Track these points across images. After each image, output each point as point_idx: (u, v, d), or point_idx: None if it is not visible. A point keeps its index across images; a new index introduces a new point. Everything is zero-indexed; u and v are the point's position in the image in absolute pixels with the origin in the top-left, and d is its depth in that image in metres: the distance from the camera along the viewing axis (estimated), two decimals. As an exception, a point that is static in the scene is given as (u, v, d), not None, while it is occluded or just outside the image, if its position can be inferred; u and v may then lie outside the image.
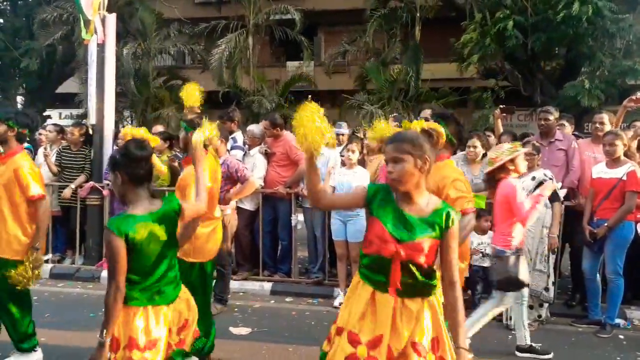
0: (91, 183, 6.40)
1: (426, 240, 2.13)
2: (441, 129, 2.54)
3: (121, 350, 2.30)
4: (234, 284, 5.56)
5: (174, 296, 2.47)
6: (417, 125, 3.01)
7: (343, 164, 5.54)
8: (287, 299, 5.60)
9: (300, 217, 6.11)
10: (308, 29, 15.45)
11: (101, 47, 6.69)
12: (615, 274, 4.60)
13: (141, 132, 2.49)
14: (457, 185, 3.04)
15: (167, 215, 2.43)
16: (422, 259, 2.13)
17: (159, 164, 2.42)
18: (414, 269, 2.14)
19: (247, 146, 6.27)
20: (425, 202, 2.19)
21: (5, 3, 15.69)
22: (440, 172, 3.01)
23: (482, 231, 5.02)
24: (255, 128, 6.26)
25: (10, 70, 14.88)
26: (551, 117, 5.36)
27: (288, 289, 5.78)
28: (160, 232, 2.38)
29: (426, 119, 4.82)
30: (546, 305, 4.82)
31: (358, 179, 5.23)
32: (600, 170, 4.83)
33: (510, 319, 4.72)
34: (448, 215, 2.15)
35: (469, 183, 3.24)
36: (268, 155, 6.13)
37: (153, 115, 13.26)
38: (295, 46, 15.81)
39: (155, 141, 2.46)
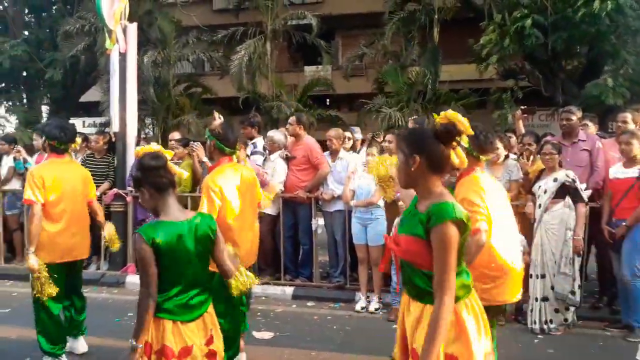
0: (115, 190, 6.52)
1: (405, 237, 2.05)
2: (460, 119, 2.29)
3: (153, 355, 2.31)
4: (256, 289, 5.59)
5: (203, 311, 2.44)
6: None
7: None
8: (309, 304, 5.61)
9: (321, 221, 6.12)
10: (325, 33, 15.48)
11: (123, 56, 6.81)
12: (633, 276, 4.49)
13: (153, 147, 2.54)
14: (462, 205, 2.79)
15: (200, 227, 2.41)
16: (410, 258, 2.05)
17: (179, 170, 2.46)
18: (408, 268, 2.09)
19: (267, 151, 6.31)
20: (429, 202, 2.04)
21: (30, 16, 16.08)
22: (458, 190, 2.89)
23: None
24: (275, 133, 6.30)
25: (35, 81, 15.23)
26: (574, 117, 5.28)
27: (310, 294, 5.79)
28: (190, 241, 2.36)
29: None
30: (573, 308, 4.73)
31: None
32: (617, 171, 4.77)
33: (535, 322, 4.65)
34: (429, 213, 1.97)
35: (482, 197, 2.86)
36: (288, 160, 6.15)
37: (174, 122, 13.43)
38: (313, 51, 15.87)
39: (168, 153, 2.53)
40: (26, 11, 15.79)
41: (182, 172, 2.69)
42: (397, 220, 4.93)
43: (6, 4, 14.91)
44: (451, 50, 14.02)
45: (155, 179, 2.40)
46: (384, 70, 14.20)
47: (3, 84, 15.81)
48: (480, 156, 3.05)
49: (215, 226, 2.50)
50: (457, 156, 2.06)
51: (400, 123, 11.42)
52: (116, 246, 4.29)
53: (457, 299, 2.00)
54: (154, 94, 13.17)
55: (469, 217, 2.03)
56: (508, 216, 3.12)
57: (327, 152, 6.13)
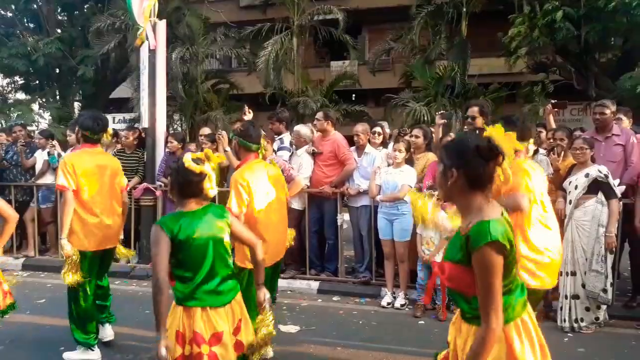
0: (145, 184, 6.64)
1: (449, 264, 1.95)
2: (503, 139, 2.19)
3: (187, 345, 2.38)
4: (282, 283, 5.61)
5: (231, 298, 2.55)
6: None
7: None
8: (334, 298, 5.62)
9: (346, 216, 6.12)
10: (352, 28, 15.42)
11: (152, 52, 6.92)
12: None
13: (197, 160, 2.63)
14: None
15: (214, 212, 2.58)
16: (454, 285, 1.97)
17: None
18: (454, 294, 2.01)
19: (293, 146, 6.34)
20: (467, 221, 1.92)
21: (62, 14, 16.48)
22: None
23: None
24: (302, 128, 6.31)
25: (68, 78, 15.61)
26: (607, 111, 5.14)
27: (335, 288, 5.80)
28: (207, 227, 2.52)
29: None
30: (604, 307, 4.62)
31: (405, 178, 5.19)
32: None
33: (565, 320, 4.56)
34: (467, 237, 1.85)
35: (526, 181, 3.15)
36: (314, 155, 6.17)
37: (202, 117, 13.60)
38: (340, 46, 15.82)
39: (220, 158, 2.71)
40: (59, 9, 16.17)
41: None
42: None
43: (40, 3, 15.29)
44: (480, 44, 13.80)
45: (188, 189, 2.55)
46: (411, 64, 14.07)
47: (37, 81, 16.26)
48: (522, 143, 3.11)
49: (225, 210, 2.68)
50: (503, 173, 1.91)
51: (426, 118, 11.31)
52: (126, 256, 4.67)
53: (508, 320, 1.88)
54: (182, 90, 13.36)
55: (507, 234, 1.86)
56: (548, 204, 3.25)
57: (354, 147, 6.12)
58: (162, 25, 7.05)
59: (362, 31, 19.01)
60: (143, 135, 7.07)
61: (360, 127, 6.04)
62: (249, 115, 6.65)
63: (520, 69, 11.74)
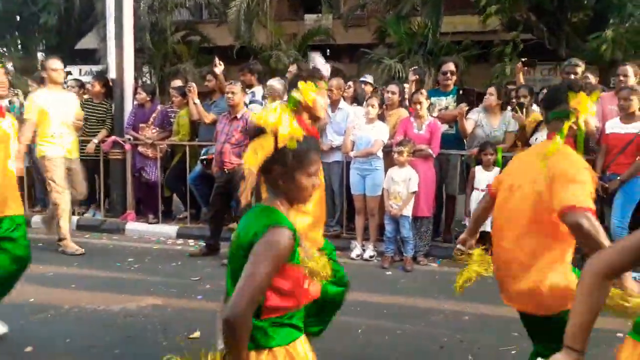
0: (113, 137, 6.52)
1: None
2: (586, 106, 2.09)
3: None
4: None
5: None
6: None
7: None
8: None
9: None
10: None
11: (119, 1, 6.66)
12: (621, 228, 4.57)
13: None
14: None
15: None
16: None
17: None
18: None
19: (265, 100, 6.28)
20: None
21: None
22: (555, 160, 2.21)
23: None
24: (276, 82, 6.24)
25: (30, 26, 14.90)
26: (578, 70, 5.24)
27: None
28: None
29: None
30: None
31: (377, 133, 5.24)
32: (614, 125, 4.78)
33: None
34: None
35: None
36: (286, 110, 6.14)
37: (171, 70, 13.25)
38: (313, -1, 15.47)
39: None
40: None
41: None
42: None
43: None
44: (455, 0, 13.66)
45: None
46: (385, 20, 13.89)
47: (-3, 30, 15.50)
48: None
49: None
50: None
51: (401, 74, 11.28)
52: None
53: None
54: (149, 41, 12.93)
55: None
56: None
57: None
58: (128, -29, 6.77)
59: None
60: (111, 84, 6.87)
61: (335, 82, 6.01)
62: (219, 67, 6.54)
63: (493, 27, 11.73)
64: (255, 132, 1.67)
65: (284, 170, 1.64)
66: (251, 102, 6.15)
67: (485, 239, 2.82)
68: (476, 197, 5.19)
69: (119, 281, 4.61)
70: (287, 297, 1.58)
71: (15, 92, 6.78)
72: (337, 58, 16.10)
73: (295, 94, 2.66)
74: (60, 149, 5.40)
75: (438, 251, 5.52)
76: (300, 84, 2.67)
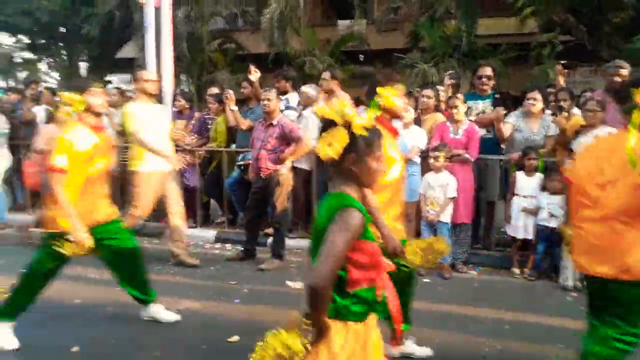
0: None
1: None
2: None
3: None
4: (290, 242, 5.74)
5: None
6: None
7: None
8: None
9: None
10: (360, -15, 15.06)
11: (157, 11, 6.84)
12: None
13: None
14: None
15: None
16: None
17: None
18: None
19: (300, 107, 6.33)
20: None
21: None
22: None
23: (552, 191, 4.90)
24: (310, 89, 6.29)
25: (74, 37, 15.49)
26: (625, 72, 5.06)
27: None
28: None
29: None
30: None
31: (413, 139, 5.21)
32: None
33: (568, 279, 4.65)
34: None
35: None
36: (321, 116, 6.16)
37: (207, 78, 13.49)
38: (347, 4, 15.50)
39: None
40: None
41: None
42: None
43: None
44: (489, 2, 13.45)
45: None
46: (418, 24, 13.79)
47: (43, 40, 16.14)
48: None
49: None
50: None
51: (435, 79, 11.17)
52: None
53: None
54: (187, 50, 13.22)
55: None
56: None
57: (362, 107, 6.11)
58: (167, -18, 6.94)
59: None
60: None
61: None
62: (255, 75, 6.63)
63: (531, 29, 11.49)
64: (325, 125, 1.83)
65: (356, 157, 1.80)
66: (286, 108, 6.22)
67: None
68: (518, 203, 5.08)
69: (159, 284, 4.69)
70: (366, 270, 1.80)
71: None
72: (370, 63, 16.08)
73: (377, 99, 2.87)
74: (154, 163, 5.09)
75: (477, 258, 5.44)
76: (379, 89, 2.90)
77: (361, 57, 16.08)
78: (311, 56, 13.64)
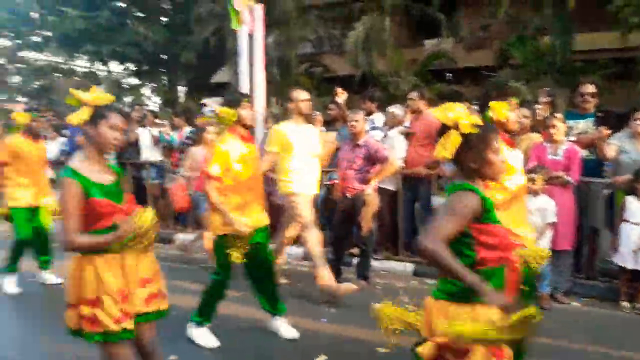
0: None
1: None
2: None
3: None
4: (375, 263, 5.68)
5: None
6: None
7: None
8: (430, 281, 5.57)
9: (442, 198, 6.00)
10: (446, 4, 14.87)
11: (250, 37, 7.16)
12: None
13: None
14: None
15: None
16: None
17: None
18: None
19: (386, 127, 6.31)
20: None
21: (167, 2, 17.53)
22: None
23: None
24: (396, 109, 6.27)
25: (173, 64, 16.67)
26: None
27: (432, 272, 5.74)
28: None
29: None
30: None
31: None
32: None
33: None
34: None
35: None
36: (408, 136, 6.10)
37: (295, 101, 13.87)
38: (433, 23, 15.36)
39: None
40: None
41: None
42: None
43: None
44: (587, 16, 12.71)
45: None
46: (508, 41, 13.33)
47: (147, 67, 17.54)
48: None
49: None
50: None
51: (527, 97, 10.69)
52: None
53: None
54: (277, 74, 13.70)
55: None
56: None
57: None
58: (259, 9, 7.26)
59: (457, 8, 18.24)
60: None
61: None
62: (341, 97, 6.72)
63: (636, 43, 10.70)
64: (440, 130, 2.03)
65: (474, 153, 1.98)
66: (372, 128, 6.22)
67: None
68: (628, 230, 4.68)
69: (246, 300, 4.81)
70: (494, 250, 1.96)
71: (163, 123, 7.55)
72: (458, 82, 15.76)
73: (489, 112, 2.96)
74: (305, 185, 4.96)
75: (580, 289, 5.07)
76: (491, 103, 3.00)
77: (449, 75, 15.82)
78: (396, 77, 13.61)
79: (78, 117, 2.48)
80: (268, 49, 12.51)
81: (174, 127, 8.05)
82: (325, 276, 4.69)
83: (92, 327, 2.42)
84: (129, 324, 2.48)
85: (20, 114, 5.31)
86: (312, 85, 14.60)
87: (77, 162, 2.49)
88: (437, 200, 5.89)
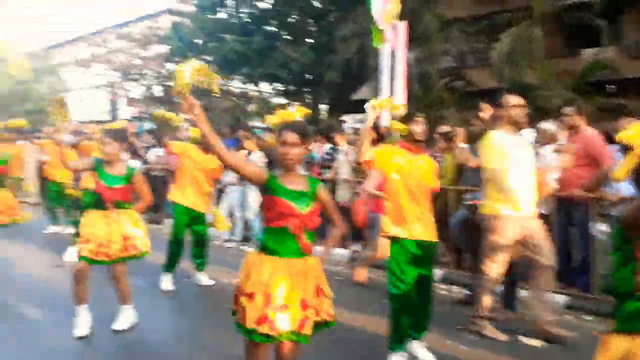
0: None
1: None
2: None
3: None
4: (523, 292, 5.23)
5: None
6: None
7: None
8: (586, 317, 5.00)
9: (603, 226, 5.36)
10: (607, 11, 13.48)
11: (392, 53, 7.19)
12: None
13: None
14: None
15: None
16: None
17: None
18: None
19: (537, 144, 5.86)
20: None
21: (313, 24, 18.39)
22: None
23: None
24: (549, 125, 5.80)
25: (317, 83, 17.43)
26: None
27: (587, 306, 5.16)
28: None
29: None
30: None
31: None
32: None
33: None
34: None
35: None
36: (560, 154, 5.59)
37: (435, 116, 13.58)
38: (591, 32, 14.01)
39: None
40: (308, 20, 18.18)
41: None
42: None
43: (296, 16, 17.38)
44: None
45: None
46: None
47: (294, 87, 18.60)
48: None
49: None
50: None
51: None
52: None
53: None
54: (418, 90, 13.57)
55: None
56: None
57: (613, 144, 5.36)
58: (402, 26, 7.27)
59: (621, 13, 16.43)
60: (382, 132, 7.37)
61: (625, 122, 5.24)
62: (487, 113, 6.38)
63: None
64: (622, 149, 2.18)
65: None
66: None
67: None
68: None
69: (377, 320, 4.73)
70: None
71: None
72: (624, 94, 14.14)
73: None
74: (515, 207, 4.22)
75: None
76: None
77: (611, 87, 14.28)
78: (546, 89, 12.64)
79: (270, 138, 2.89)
80: (409, 64, 12.49)
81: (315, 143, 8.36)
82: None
83: (240, 319, 2.58)
84: (271, 330, 2.49)
85: (194, 129, 6.19)
86: (452, 100, 14.19)
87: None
88: (597, 228, 5.28)
